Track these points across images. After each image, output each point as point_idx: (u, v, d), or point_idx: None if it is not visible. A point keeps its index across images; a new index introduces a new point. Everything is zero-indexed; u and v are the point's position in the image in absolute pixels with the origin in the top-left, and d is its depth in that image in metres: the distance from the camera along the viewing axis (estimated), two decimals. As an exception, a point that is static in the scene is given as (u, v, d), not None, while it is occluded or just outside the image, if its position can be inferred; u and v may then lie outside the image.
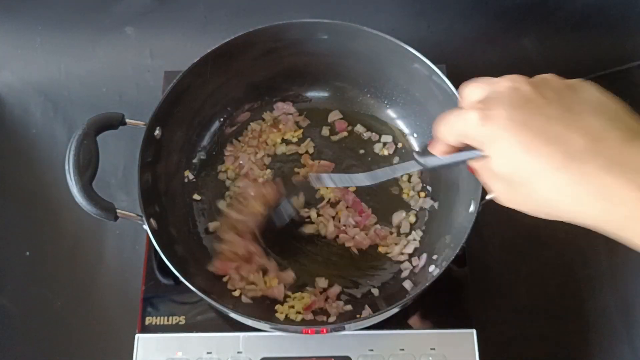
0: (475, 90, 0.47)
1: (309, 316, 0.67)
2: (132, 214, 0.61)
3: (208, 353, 0.65)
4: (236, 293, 0.68)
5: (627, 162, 0.40)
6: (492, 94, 0.45)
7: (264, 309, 0.68)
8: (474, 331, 0.65)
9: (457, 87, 0.65)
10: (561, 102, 0.43)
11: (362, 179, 0.60)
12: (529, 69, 0.87)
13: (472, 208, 0.63)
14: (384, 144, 0.78)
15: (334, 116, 0.79)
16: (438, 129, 0.49)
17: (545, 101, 0.43)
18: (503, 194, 0.47)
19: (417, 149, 0.77)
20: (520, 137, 0.42)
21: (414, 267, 0.70)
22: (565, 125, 0.42)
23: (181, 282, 0.59)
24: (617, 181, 0.39)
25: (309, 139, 0.78)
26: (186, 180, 0.75)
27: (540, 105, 0.43)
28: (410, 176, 0.76)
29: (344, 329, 0.62)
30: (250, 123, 0.79)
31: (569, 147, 0.41)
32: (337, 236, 0.72)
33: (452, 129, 0.47)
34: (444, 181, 0.73)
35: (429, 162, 0.52)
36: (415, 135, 0.78)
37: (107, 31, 0.88)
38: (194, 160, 0.77)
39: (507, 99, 0.44)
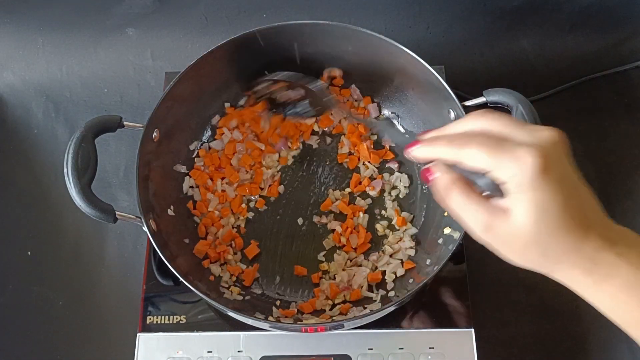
0: (519, 129, 0.42)
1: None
2: (131, 216, 0.61)
3: (209, 352, 0.65)
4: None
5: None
6: (546, 144, 0.40)
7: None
8: (473, 330, 0.66)
9: (454, 89, 0.66)
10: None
11: None
12: (527, 71, 0.88)
13: None
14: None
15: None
16: (466, 143, 0.42)
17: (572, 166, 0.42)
18: (499, 243, 0.43)
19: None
20: (561, 201, 0.40)
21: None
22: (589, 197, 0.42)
23: (181, 281, 0.59)
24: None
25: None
26: (185, 179, 0.75)
27: (573, 172, 0.42)
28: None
29: (342, 326, 0.62)
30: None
31: (590, 221, 0.41)
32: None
33: (488, 156, 0.40)
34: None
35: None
36: (407, 136, 0.78)
37: (108, 32, 0.89)
38: (193, 160, 0.77)
39: (562, 157, 0.41)
